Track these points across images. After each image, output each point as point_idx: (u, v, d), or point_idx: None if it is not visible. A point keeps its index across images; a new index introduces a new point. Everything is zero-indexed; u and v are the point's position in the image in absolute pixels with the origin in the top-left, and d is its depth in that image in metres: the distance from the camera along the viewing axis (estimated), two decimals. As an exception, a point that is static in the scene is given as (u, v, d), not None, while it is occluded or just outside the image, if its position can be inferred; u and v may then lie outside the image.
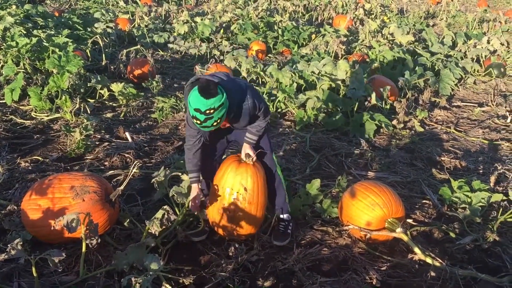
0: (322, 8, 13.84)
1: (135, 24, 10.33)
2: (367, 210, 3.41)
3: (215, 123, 2.78)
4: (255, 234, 3.50)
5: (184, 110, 3.67)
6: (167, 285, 2.88)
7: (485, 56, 8.70)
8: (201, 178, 3.39)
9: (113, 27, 9.32)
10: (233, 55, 7.42)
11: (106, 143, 4.95)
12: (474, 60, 8.56)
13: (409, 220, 3.80)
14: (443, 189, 4.12)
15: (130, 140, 4.97)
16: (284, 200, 3.59)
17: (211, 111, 2.67)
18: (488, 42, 9.15)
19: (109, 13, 10.95)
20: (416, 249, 3.25)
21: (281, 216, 3.60)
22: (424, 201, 4.17)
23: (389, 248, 3.50)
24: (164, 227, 3.00)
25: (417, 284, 3.11)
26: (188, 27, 10.02)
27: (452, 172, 4.69)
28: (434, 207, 4.06)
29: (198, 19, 10.48)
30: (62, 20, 9.54)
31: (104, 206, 3.24)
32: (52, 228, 2.92)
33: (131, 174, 3.41)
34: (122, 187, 3.34)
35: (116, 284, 2.94)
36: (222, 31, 10.27)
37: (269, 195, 3.51)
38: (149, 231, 3.00)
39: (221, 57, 8.22)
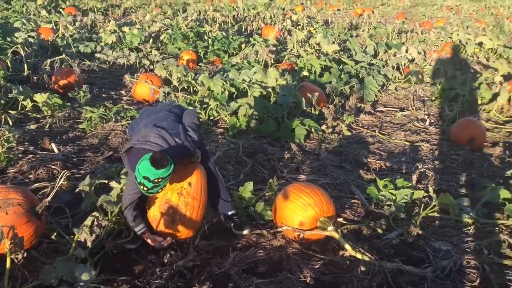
0: (251, 19, 14.09)
1: (59, 34, 9.95)
2: (300, 211, 3.50)
3: (160, 190, 3.05)
4: (192, 238, 3.48)
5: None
6: (100, 297, 2.81)
7: (404, 64, 9.25)
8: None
9: (35, 37, 8.92)
10: (163, 64, 7.36)
11: (31, 155, 4.72)
12: (395, 68, 9.07)
13: (340, 219, 3.94)
14: (370, 189, 4.31)
15: (56, 151, 4.77)
16: (228, 199, 3.74)
17: (159, 180, 2.90)
18: (407, 51, 9.74)
19: (31, 23, 10.48)
20: (347, 246, 3.38)
21: (229, 213, 3.73)
22: (353, 200, 4.34)
23: (322, 246, 3.61)
24: (94, 234, 2.90)
25: (349, 279, 3.23)
26: (116, 37, 9.81)
27: (378, 173, 4.93)
28: (362, 206, 4.24)
29: (126, 29, 10.30)
30: (-22, 29, 9.01)
31: (30, 219, 3.09)
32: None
33: (58, 185, 3.29)
34: (48, 199, 3.20)
35: (44, 301, 2.81)
36: (151, 41, 10.16)
37: (214, 196, 3.66)
38: (79, 239, 2.90)
39: (151, 67, 8.13)
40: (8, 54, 7.55)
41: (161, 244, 3.31)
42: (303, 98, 6.15)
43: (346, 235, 3.74)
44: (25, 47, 8.15)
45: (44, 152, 4.81)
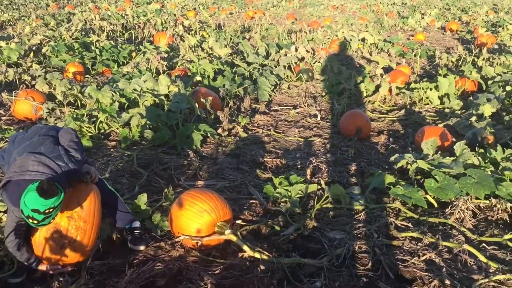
0: (142, 26, 13.77)
1: None
2: (196, 218, 3.45)
3: (52, 220, 2.85)
4: (83, 262, 3.27)
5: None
6: None
7: (295, 63, 9.56)
8: None
9: None
10: (45, 78, 6.91)
11: None
12: (286, 67, 9.34)
13: (238, 221, 3.94)
14: (266, 187, 4.38)
15: None
16: (127, 211, 3.63)
17: (51, 210, 2.71)
18: (296, 50, 10.08)
19: None
20: (245, 247, 3.39)
21: (134, 225, 3.61)
22: (251, 201, 4.37)
23: (222, 251, 3.58)
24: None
25: (249, 279, 3.23)
26: (-11, 52, 9.06)
27: (274, 171, 5.02)
28: (260, 205, 4.28)
29: (2, 43, 9.54)
30: None
31: None
32: None
33: None
34: None
35: None
36: (32, 54, 9.51)
37: (111, 213, 3.55)
38: None
39: (33, 82, 7.58)
40: None
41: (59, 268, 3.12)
42: (196, 104, 6.10)
43: (246, 236, 3.75)
44: None
45: None
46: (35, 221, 2.74)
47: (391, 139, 5.91)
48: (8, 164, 3.07)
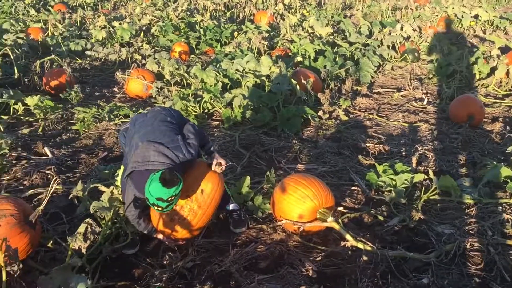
0: (243, 5, 13.90)
1: (48, 33, 9.81)
2: (298, 203, 3.44)
3: (174, 206, 3.07)
4: (191, 240, 3.43)
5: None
6: (99, 305, 2.77)
7: (400, 42, 9.11)
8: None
9: (25, 37, 8.80)
10: (155, 58, 7.26)
11: (24, 161, 4.65)
12: (390, 47, 8.93)
13: (340, 208, 3.88)
14: (369, 175, 4.25)
15: (50, 155, 4.71)
16: (227, 192, 3.72)
17: (173, 198, 2.89)
18: (402, 29, 9.58)
19: (19, 23, 10.33)
20: (348, 236, 3.33)
21: (231, 207, 3.70)
22: (353, 187, 4.27)
23: (323, 238, 3.55)
24: (89, 241, 2.85)
25: (351, 270, 3.18)
26: (106, 33, 9.68)
27: (377, 157, 4.86)
28: (362, 193, 4.18)
29: (116, 23, 10.14)
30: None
31: (23, 229, 3.03)
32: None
33: (51, 191, 3.22)
34: (42, 207, 3.15)
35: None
36: (142, 34, 10.02)
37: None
38: (73, 247, 2.85)
39: (143, 61, 8.00)
40: (-4, 58, 7.44)
41: (175, 243, 3.33)
42: (297, 86, 6.05)
43: (347, 224, 3.68)
44: (15, 49, 8.04)
45: (38, 157, 4.75)
46: (159, 208, 2.93)
47: (507, 127, 5.43)
48: (130, 147, 3.26)
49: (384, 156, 4.91)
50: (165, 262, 3.20)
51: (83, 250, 2.86)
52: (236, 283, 3.07)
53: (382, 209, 3.82)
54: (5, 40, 8.45)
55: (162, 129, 3.22)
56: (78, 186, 3.39)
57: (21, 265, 2.82)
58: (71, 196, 3.41)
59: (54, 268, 2.86)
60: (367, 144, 5.19)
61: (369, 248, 3.26)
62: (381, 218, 3.71)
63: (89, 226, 2.87)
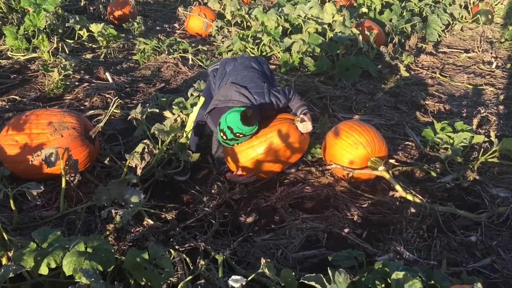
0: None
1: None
2: (350, 149, 3.40)
3: (236, 144, 3.14)
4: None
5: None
6: (149, 220, 2.89)
7: (473, 2, 8.57)
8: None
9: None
10: (217, -3, 7.19)
11: (86, 84, 4.82)
12: (462, 7, 8.42)
13: (392, 161, 3.80)
14: (426, 131, 4.13)
15: (110, 80, 4.84)
16: None
17: (240, 135, 2.99)
18: (477, -12, 8.97)
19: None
20: (398, 187, 3.28)
21: None
22: (407, 142, 4.17)
23: (371, 186, 3.52)
24: (145, 162, 2.95)
25: (397, 220, 3.15)
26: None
27: (435, 116, 4.70)
28: (416, 148, 4.07)
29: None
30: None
31: (83, 143, 3.17)
32: (30, 163, 2.87)
33: (111, 110, 3.34)
34: (102, 124, 3.27)
35: (98, 219, 2.91)
36: (206, -26, 9.91)
37: None
38: (130, 165, 2.96)
39: (205, 0, 7.95)
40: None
41: (247, 179, 3.36)
42: (360, 36, 5.86)
43: (398, 177, 3.61)
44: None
45: (99, 81, 4.90)
46: (224, 137, 3.02)
47: None
48: (217, 86, 3.42)
49: (443, 115, 4.74)
50: (213, 191, 3.29)
51: (139, 171, 2.96)
52: (280, 218, 3.12)
53: (436, 166, 3.72)
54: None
55: (250, 75, 3.33)
56: (137, 108, 3.48)
57: (79, 176, 2.96)
58: (129, 117, 3.52)
59: (111, 181, 2.99)
60: (426, 102, 5.02)
61: (418, 201, 3.20)
62: (433, 173, 3.62)
63: (146, 147, 2.96)
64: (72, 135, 3.13)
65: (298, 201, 3.31)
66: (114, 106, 3.28)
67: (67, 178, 2.91)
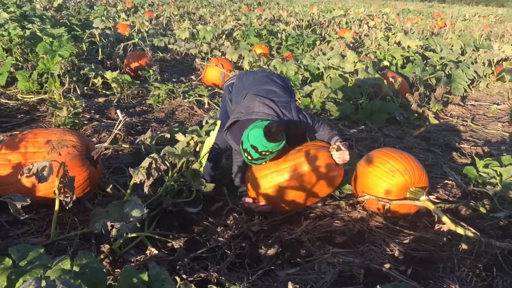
0: (326, 24, 13.68)
1: (135, 29, 10.06)
2: (386, 177, 2.97)
3: (263, 163, 2.78)
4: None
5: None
6: (153, 249, 2.44)
7: (497, 61, 8.38)
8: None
9: (112, 29, 9.04)
10: (235, 49, 7.10)
11: (96, 122, 4.54)
12: (486, 65, 8.23)
13: (432, 197, 3.33)
14: (467, 168, 3.70)
15: (121, 117, 4.54)
16: None
17: (267, 153, 2.62)
18: (499, 48, 8.84)
19: (109, 20, 10.71)
20: (445, 219, 2.80)
21: None
22: (446, 181, 3.72)
23: (411, 223, 3.05)
24: (152, 178, 2.55)
25: (447, 257, 2.65)
26: (189, 33, 9.75)
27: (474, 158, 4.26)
28: (458, 187, 3.61)
29: (200, 26, 10.23)
30: (60, 21, 9.27)
31: (84, 163, 2.80)
32: (21, 181, 2.50)
33: (119, 127, 3.02)
34: (105, 144, 2.94)
35: (93, 247, 2.47)
36: (224, 37, 10.02)
37: None
38: (134, 181, 2.57)
39: (223, 57, 7.89)
40: (85, 40, 7.62)
41: (261, 207, 2.94)
42: (385, 81, 5.60)
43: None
44: (102, 38, 8.24)
45: (109, 121, 4.62)
46: (249, 157, 2.66)
47: None
48: (236, 100, 3.08)
49: (482, 158, 4.29)
50: (229, 222, 2.85)
51: (146, 189, 2.56)
52: (307, 251, 2.64)
53: (484, 202, 3.25)
54: (95, 29, 8.70)
55: (273, 89, 3.01)
56: (147, 133, 3.15)
57: (74, 197, 2.56)
58: (137, 140, 3.18)
59: (111, 202, 2.58)
60: (462, 145, 4.61)
61: (471, 235, 2.71)
62: (483, 210, 3.13)
63: (154, 162, 2.58)
64: (72, 154, 2.77)
65: (327, 235, 2.84)
66: (121, 124, 2.95)
67: (61, 198, 2.51)
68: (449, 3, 53.91)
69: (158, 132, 3.66)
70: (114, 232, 2.05)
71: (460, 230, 2.73)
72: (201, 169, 3.12)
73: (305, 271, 2.47)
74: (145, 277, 1.88)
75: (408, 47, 8.52)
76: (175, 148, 3.02)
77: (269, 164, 2.88)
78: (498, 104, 6.46)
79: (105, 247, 2.20)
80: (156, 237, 2.50)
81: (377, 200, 2.97)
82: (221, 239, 2.62)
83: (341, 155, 2.82)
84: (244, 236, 2.74)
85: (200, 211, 3.04)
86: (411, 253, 2.69)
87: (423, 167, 3.07)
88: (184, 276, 2.19)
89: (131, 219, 2.12)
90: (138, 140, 3.17)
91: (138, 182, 2.55)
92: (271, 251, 2.60)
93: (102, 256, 2.22)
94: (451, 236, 2.83)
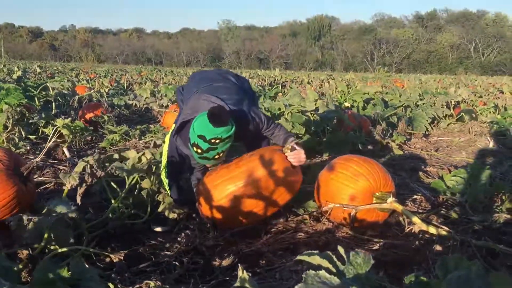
0: (288, 83, 13.94)
1: (95, 90, 9.91)
2: (350, 182, 2.75)
3: (216, 156, 2.46)
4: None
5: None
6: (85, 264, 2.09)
7: (455, 103, 8.54)
8: None
9: (69, 89, 8.86)
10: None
11: (41, 162, 4.20)
12: (445, 106, 8.35)
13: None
14: (435, 182, 3.55)
15: (68, 155, 4.25)
16: None
17: (217, 141, 2.36)
18: (455, 92, 9.06)
19: (68, 83, 10.57)
20: (415, 219, 2.57)
21: None
22: (414, 196, 3.52)
23: (380, 233, 2.80)
24: (85, 185, 2.25)
25: (420, 258, 2.38)
26: (150, 91, 9.67)
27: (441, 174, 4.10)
28: (427, 201, 3.41)
29: (161, 85, 10.18)
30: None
31: (10, 178, 2.48)
32: None
33: (51, 141, 2.72)
34: (38, 159, 2.65)
35: (16, 267, 2.10)
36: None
37: None
38: (66, 187, 2.26)
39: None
40: (39, 101, 7.35)
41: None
42: (346, 114, 5.52)
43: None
44: (58, 97, 8.00)
45: (55, 161, 4.30)
46: (198, 150, 2.39)
47: None
48: (186, 101, 2.83)
49: (449, 177, 4.14)
50: (179, 239, 2.53)
51: (78, 198, 2.25)
52: (267, 262, 2.34)
53: (456, 209, 3.04)
54: (52, 90, 8.48)
55: (226, 86, 2.82)
56: (94, 155, 2.84)
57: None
58: (80, 162, 2.86)
59: (41, 213, 2.25)
60: (428, 169, 4.47)
61: (444, 233, 2.47)
62: (454, 215, 2.92)
63: (88, 167, 2.29)
64: (-3, 168, 2.46)
65: (290, 247, 2.55)
66: (56, 135, 2.67)
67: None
68: (405, 73, 56.92)
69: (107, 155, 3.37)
70: (31, 225, 1.72)
71: (432, 230, 2.49)
72: (166, 186, 2.85)
73: (265, 279, 2.17)
74: (64, 273, 1.56)
75: (368, 93, 8.63)
76: (125, 164, 2.74)
77: (220, 172, 2.64)
78: (460, 138, 6.45)
79: (23, 253, 1.86)
80: (91, 250, 2.16)
81: (342, 208, 2.73)
82: (169, 252, 2.30)
83: (296, 155, 2.61)
84: (197, 252, 2.43)
85: (146, 231, 2.71)
86: (382, 258, 2.41)
87: (388, 172, 2.88)
88: (119, 286, 1.85)
89: (54, 214, 1.81)
90: (79, 162, 2.86)
91: (69, 188, 2.24)
92: (226, 262, 2.28)
93: (20, 266, 1.87)
94: (424, 241, 2.58)
